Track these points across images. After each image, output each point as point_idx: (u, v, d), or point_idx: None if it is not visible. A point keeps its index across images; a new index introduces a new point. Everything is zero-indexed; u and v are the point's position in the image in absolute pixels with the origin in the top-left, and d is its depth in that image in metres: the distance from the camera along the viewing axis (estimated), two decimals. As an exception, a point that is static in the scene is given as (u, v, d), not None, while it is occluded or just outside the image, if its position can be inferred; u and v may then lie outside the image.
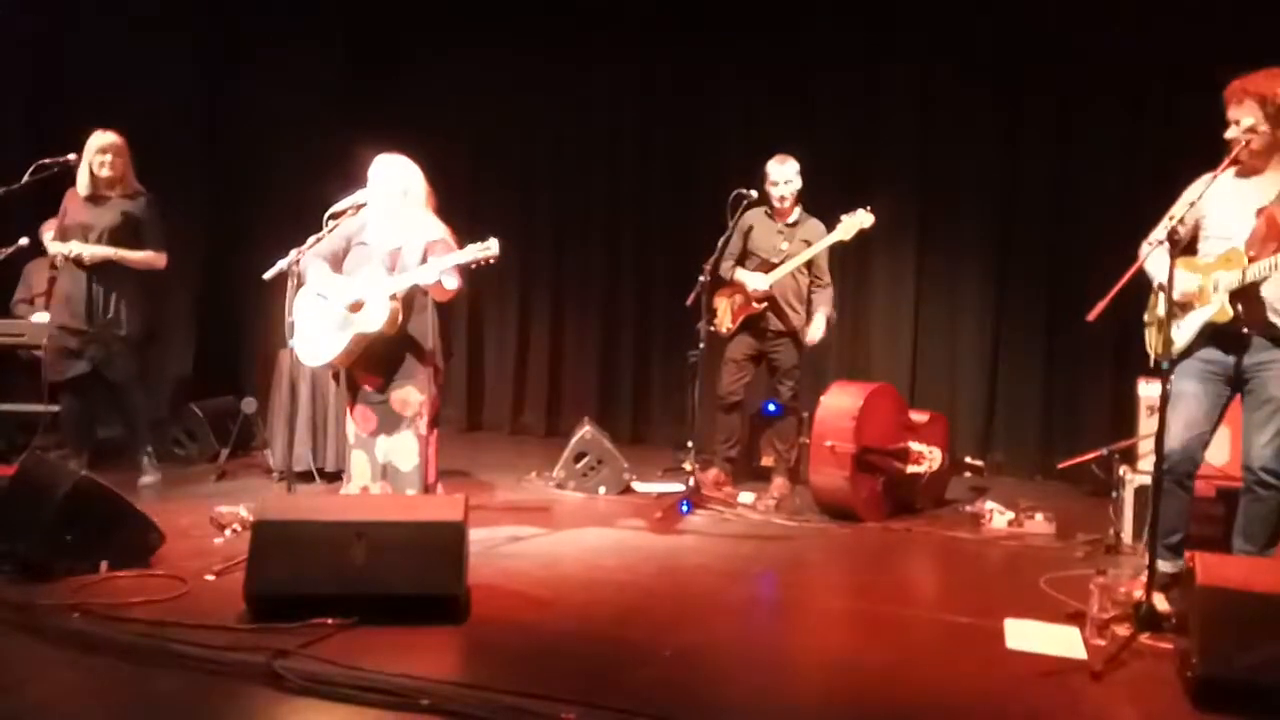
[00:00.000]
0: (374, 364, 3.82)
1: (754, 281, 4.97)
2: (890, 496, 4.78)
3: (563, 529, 4.41)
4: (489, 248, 3.61)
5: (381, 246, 3.83)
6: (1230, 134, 3.24)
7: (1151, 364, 3.50)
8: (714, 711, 2.52)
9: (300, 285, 3.76)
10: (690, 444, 4.81)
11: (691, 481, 4.80)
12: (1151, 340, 3.49)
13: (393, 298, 3.70)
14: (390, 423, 3.83)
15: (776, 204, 5.02)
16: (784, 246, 5.01)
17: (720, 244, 4.92)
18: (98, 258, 4.62)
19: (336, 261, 3.88)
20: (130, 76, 6.46)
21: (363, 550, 3.02)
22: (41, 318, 5.48)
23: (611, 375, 6.87)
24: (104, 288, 4.67)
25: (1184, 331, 3.32)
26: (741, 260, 5.11)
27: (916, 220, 6.10)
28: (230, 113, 7.07)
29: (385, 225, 3.85)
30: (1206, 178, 3.25)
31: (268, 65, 6.95)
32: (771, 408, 5.21)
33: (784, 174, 4.99)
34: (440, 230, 3.90)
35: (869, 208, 4.89)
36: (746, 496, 4.97)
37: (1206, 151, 3.32)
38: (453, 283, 3.74)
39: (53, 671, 2.76)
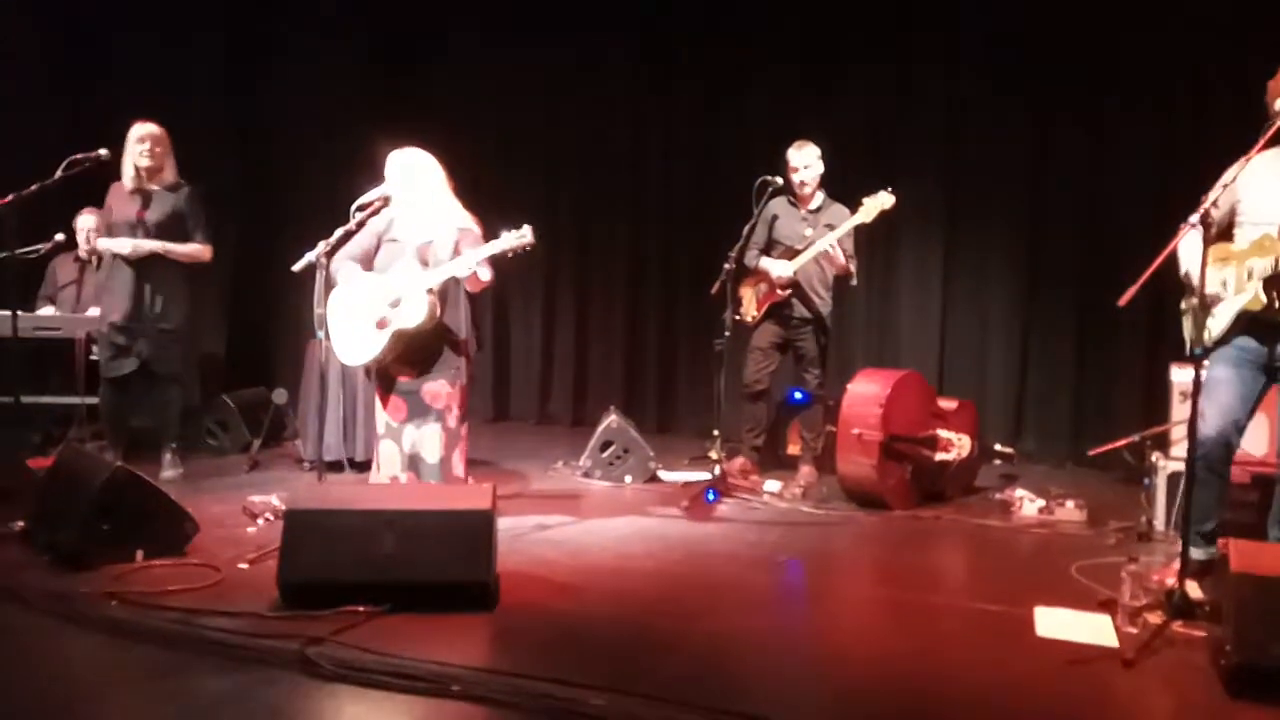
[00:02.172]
0: (410, 358, 3.85)
1: (777, 269, 4.95)
2: (918, 484, 4.75)
3: (590, 518, 4.43)
4: (524, 235, 3.62)
5: (411, 241, 3.85)
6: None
7: (1187, 352, 3.45)
8: (742, 699, 2.52)
9: (331, 284, 3.79)
10: (716, 433, 4.81)
11: (718, 470, 4.80)
12: (1188, 329, 3.44)
13: (430, 292, 3.72)
14: (420, 412, 3.86)
15: (798, 190, 5.00)
16: (808, 233, 4.98)
17: (745, 232, 4.91)
18: (145, 251, 4.65)
19: (367, 259, 3.91)
20: (162, 72, 6.55)
21: (393, 539, 3.05)
22: (47, 310, 5.55)
23: (637, 365, 6.88)
24: (151, 283, 4.69)
25: (1219, 320, 3.27)
26: (767, 249, 5.10)
27: (944, 205, 6.05)
28: (259, 107, 7.13)
29: (413, 220, 3.88)
30: (1244, 159, 3.19)
31: (296, 60, 7.02)
32: (798, 396, 5.19)
33: (803, 159, 4.97)
34: (467, 220, 3.92)
35: (889, 189, 4.85)
36: (773, 485, 4.96)
37: (1240, 133, 3.26)
38: (486, 274, 3.77)
39: (91, 658, 2.81)
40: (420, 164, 3.90)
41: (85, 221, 5.55)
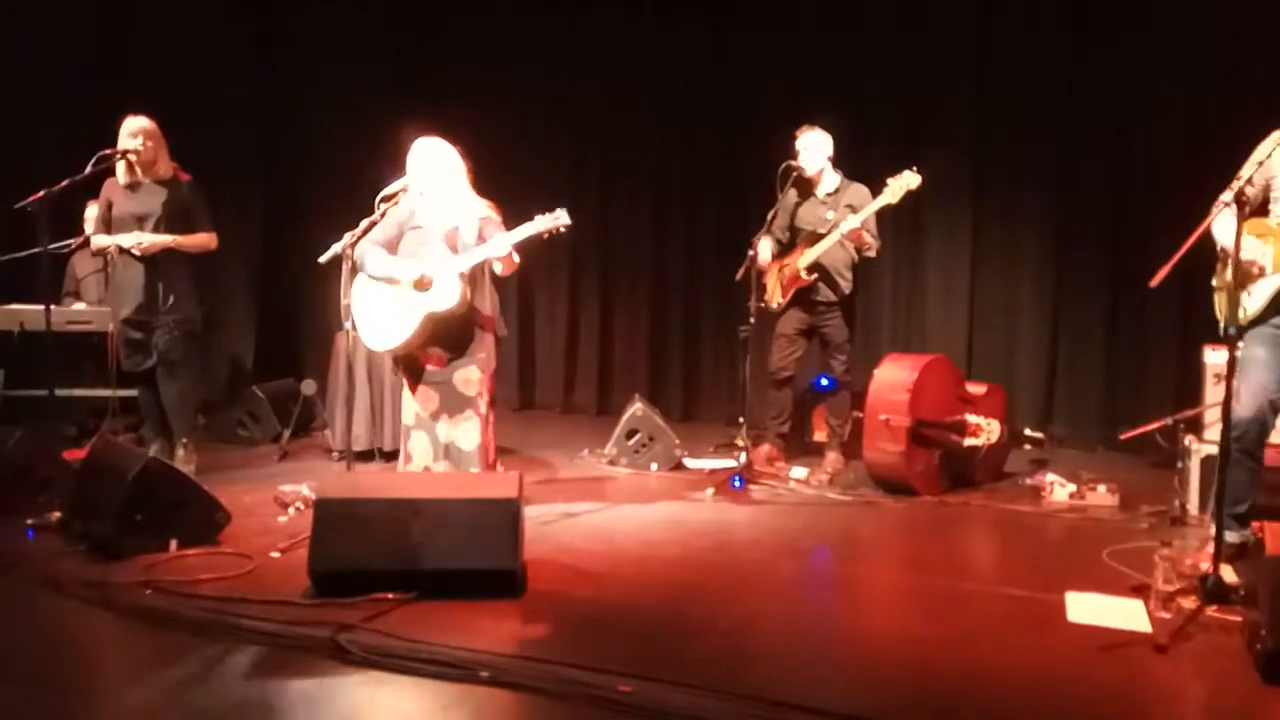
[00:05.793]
0: (439, 343, 3.88)
1: (800, 262, 4.92)
2: (947, 470, 4.72)
3: (616, 505, 4.43)
4: (559, 216, 3.67)
5: (437, 228, 3.87)
6: None
7: (1221, 331, 3.38)
8: (769, 685, 2.52)
9: (356, 271, 3.81)
10: (742, 420, 4.79)
11: (744, 457, 4.79)
12: (1220, 307, 3.37)
13: (462, 276, 3.75)
14: (453, 403, 3.88)
15: (807, 175, 4.95)
16: (829, 216, 4.94)
17: (769, 218, 4.88)
18: (158, 247, 4.62)
19: (390, 249, 3.93)
20: (188, 65, 6.60)
21: (421, 527, 3.07)
22: (76, 305, 5.59)
23: (662, 353, 6.87)
24: (161, 277, 4.66)
25: (1256, 299, 3.21)
26: (791, 235, 5.06)
27: (972, 185, 5.97)
28: (284, 98, 7.17)
29: (437, 207, 3.90)
30: (1278, 135, 3.12)
31: (319, 50, 7.05)
32: (824, 382, 5.16)
33: (802, 143, 4.92)
34: (486, 207, 3.95)
35: (914, 168, 4.77)
36: (799, 471, 4.94)
37: (1275, 106, 3.19)
38: (516, 256, 3.79)
39: (126, 645, 2.87)
40: (442, 154, 3.92)
41: (94, 213, 5.58)
